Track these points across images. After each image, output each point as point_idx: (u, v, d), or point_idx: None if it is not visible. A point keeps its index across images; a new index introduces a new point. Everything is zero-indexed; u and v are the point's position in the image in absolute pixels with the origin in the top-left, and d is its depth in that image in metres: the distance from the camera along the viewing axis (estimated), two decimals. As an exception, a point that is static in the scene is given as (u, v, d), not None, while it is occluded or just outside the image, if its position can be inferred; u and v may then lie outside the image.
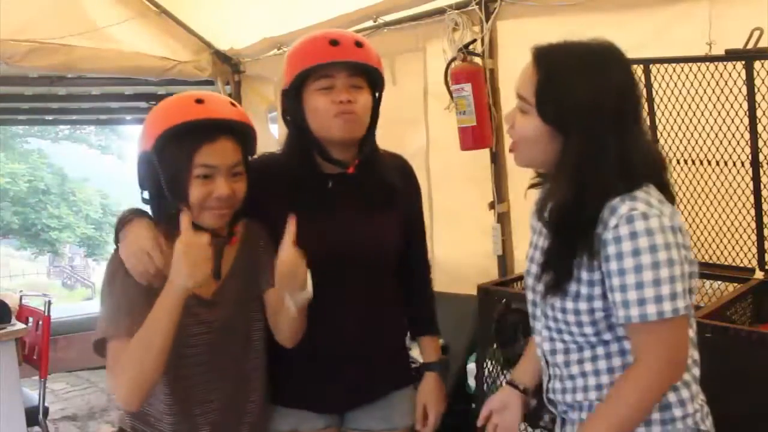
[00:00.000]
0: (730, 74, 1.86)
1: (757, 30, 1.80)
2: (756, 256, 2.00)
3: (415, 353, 1.80)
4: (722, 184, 2.00)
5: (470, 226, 2.88)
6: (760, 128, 1.86)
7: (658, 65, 1.97)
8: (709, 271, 2.05)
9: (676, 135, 2.01)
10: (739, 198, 1.98)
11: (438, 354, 1.73)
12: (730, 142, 1.94)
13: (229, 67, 3.96)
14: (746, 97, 1.85)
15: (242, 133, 1.41)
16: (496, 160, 2.73)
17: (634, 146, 1.14)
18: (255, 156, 1.50)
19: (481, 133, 2.57)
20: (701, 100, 1.94)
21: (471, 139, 2.59)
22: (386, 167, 1.60)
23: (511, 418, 1.37)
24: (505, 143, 2.70)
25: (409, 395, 1.68)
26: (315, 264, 1.45)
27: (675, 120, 2.00)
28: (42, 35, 3.21)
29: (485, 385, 2.25)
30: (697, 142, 1.99)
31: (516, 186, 2.71)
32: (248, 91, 4.00)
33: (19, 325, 3.19)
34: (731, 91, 1.87)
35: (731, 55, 1.83)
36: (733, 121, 1.91)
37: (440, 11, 2.69)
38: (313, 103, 1.46)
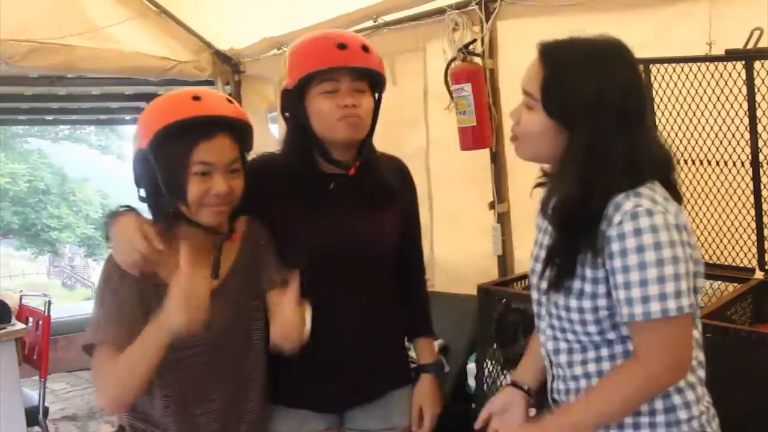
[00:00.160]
0: (730, 74, 1.86)
1: (757, 30, 1.80)
2: (756, 256, 2.00)
3: (413, 353, 1.80)
4: (722, 184, 2.00)
5: (470, 226, 2.88)
6: (760, 128, 1.86)
7: (658, 65, 1.97)
8: (709, 271, 2.04)
9: (676, 135, 2.01)
10: (739, 198, 1.98)
11: (434, 355, 1.73)
12: (730, 142, 1.94)
13: (229, 67, 3.96)
14: (746, 97, 1.85)
15: (239, 130, 1.40)
16: (496, 160, 2.73)
17: (639, 143, 1.14)
18: (254, 156, 1.50)
19: (481, 133, 2.57)
20: (701, 100, 1.94)
21: (471, 139, 2.59)
22: (384, 168, 1.61)
23: (514, 420, 1.35)
24: (506, 143, 2.70)
25: (408, 395, 1.68)
26: (316, 263, 1.46)
27: (675, 120, 2.00)
28: (42, 35, 3.21)
29: (485, 385, 2.25)
30: (697, 142, 1.99)
31: (516, 186, 2.71)
32: (248, 91, 4.00)
33: (19, 325, 3.20)
34: (731, 91, 1.87)
35: (731, 55, 1.83)
36: (733, 121, 1.90)
37: (440, 11, 2.69)
38: (317, 106, 1.46)
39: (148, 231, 1.34)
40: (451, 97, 2.62)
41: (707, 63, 1.90)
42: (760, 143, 1.88)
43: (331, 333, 1.52)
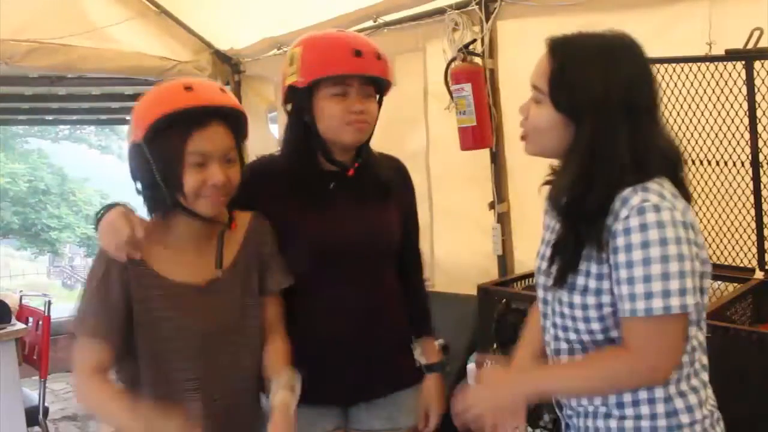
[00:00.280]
0: (730, 74, 1.86)
1: (757, 30, 1.80)
2: (756, 256, 2.00)
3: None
4: (722, 184, 2.00)
5: (470, 226, 2.88)
6: (760, 128, 1.86)
7: (658, 65, 1.96)
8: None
9: (676, 135, 2.00)
10: (739, 198, 1.98)
11: (437, 355, 1.74)
12: (730, 142, 1.94)
13: (229, 67, 3.96)
14: (746, 97, 1.85)
15: (233, 119, 1.39)
16: (496, 160, 2.72)
17: (646, 139, 1.13)
18: (254, 158, 1.50)
19: (481, 133, 2.57)
20: (701, 100, 1.95)
21: (471, 139, 2.59)
22: (381, 166, 1.62)
23: (514, 416, 1.32)
24: (506, 143, 2.70)
25: (414, 395, 1.68)
26: (318, 260, 1.47)
27: (675, 120, 2.00)
28: (42, 35, 3.21)
29: (485, 385, 2.25)
30: (697, 142, 1.99)
31: (516, 186, 2.71)
32: (248, 91, 4.00)
33: (19, 325, 3.20)
34: (731, 91, 1.88)
35: (731, 55, 1.83)
36: (733, 121, 1.91)
37: (440, 11, 2.69)
38: (326, 108, 1.48)
39: (134, 218, 1.36)
40: (451, 97, 2.62)
41: (707, 63, 1.90)
42: (760, 143, 1.88)
43: (333, 329, 1.53)
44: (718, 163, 1.99)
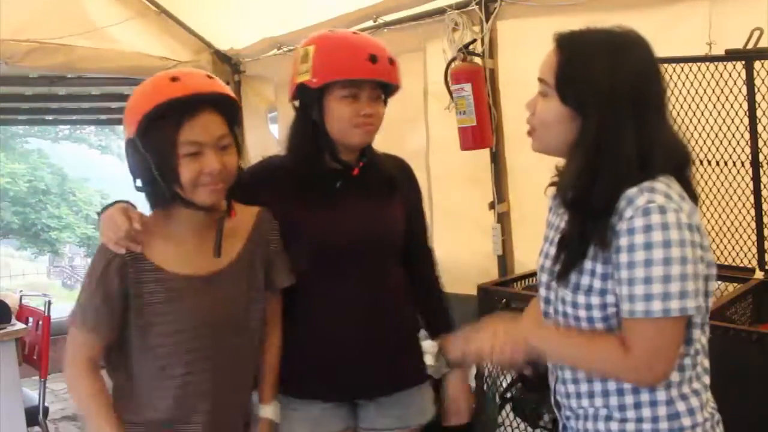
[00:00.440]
0: (730, 74, 1.87)
1: (757, 30, 1.80)
2: (756, 256, 2.00)
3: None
4: (722, 184, 2.00)
5: (470, 226, 2.88)
6: (760, 128, 1.86)
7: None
8: (710, 271, 2.05)
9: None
10: (739, 198, 1.98)
11: None
12: (730, 142, 1.94)
13: (229, 67, 3.95)
14: (746, 97, 1.85)
15: (224, 105, 1.38)
16: (496, 160, 2.73)
17: (652, 135, 1.13)
18: (259, 159, 1.51)
19: (481, 133, 2.57)
20: (701, 100, 1.95)
21: (471, 139, 2.59)
22: (385, 164, 1.64)
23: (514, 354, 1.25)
24: (506, 143, 2.70)
25: (423, 393, 1.68)
26: (324, 258, 1.49)
27: (675, 120, 1.99)
28: (42, 35, 3.21)
29: (485, 385, 2.25)
30: (697, 142, 1.99)
31: (516, 186, 2.71)
32: (248, 91, 3.99)
33: (19, 325, 3.20)
34: (731, 91, 1.88)
35: (731, 55, 1.83)
36: (733, 121, 1.91)
37: (440, 11, 2.69)
38: (337, 110, 1.49)
39: (133, 213, 1.37)
40: (451, 97, 2.62)
41: (707, 63, 1.90)
42: (760, 143, 1.88)
43: (337, 327, 1.54)
44: (718, 163, 1.99)
